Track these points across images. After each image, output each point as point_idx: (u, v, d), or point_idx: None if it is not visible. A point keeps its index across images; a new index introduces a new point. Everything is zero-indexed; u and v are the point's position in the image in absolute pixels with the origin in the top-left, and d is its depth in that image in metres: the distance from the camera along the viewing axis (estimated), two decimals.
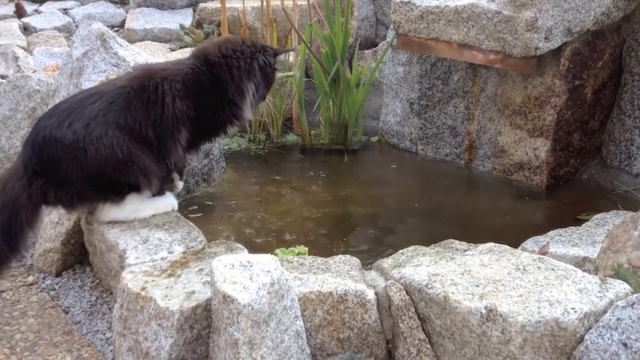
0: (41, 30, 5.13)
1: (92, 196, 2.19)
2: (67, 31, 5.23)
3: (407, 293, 1.87)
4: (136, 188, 2.22)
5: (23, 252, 2.24)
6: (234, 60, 2.36)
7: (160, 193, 2.36)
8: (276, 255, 2.15)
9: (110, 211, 2.24)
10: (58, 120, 2.13)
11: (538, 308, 1.65)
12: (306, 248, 2.33)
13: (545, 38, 2.67)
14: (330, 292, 1.86)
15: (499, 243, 2.05)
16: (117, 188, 2.20)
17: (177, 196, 2.43)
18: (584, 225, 2.42)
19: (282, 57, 2.66)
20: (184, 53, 4.59)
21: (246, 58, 2.38)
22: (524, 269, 1.84)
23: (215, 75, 2.33)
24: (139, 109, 2.17)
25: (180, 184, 2.55)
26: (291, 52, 3.63)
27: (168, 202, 2.35)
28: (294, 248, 2.33)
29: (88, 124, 2.11)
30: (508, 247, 2.02)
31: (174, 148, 2.26)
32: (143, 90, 2.20)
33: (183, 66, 2.33)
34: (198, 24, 5.16)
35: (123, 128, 2.14)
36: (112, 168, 2.13)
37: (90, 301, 2.35)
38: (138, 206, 2.25)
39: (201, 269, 1.97)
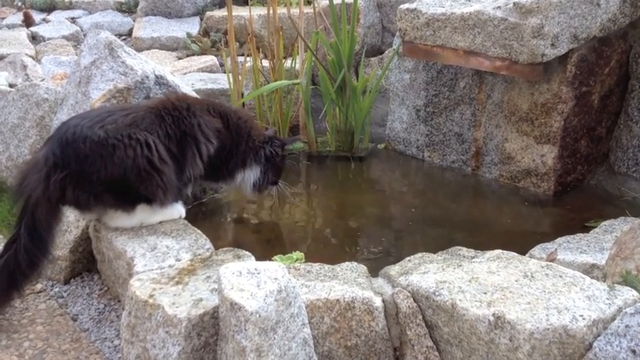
0: (49, 39, 5.17)
1: (108, 201, 2.20)
2: (75, 39, 5.27)
3: (414, 300, 1.87)
4: (148, 200, 2.23)
5: (52, 250, 2.23)
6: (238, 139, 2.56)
7: None
8: (274, 261, 2.15)
9: (119, 219, 2.25)
10: (91, 122, 2.14)
11: (546, 315, 1.64)
12: (302, 254, 2.33)
13: (552, 45, 2.67)
14: (338, 300, 1.86)
15: (506, 250, 2.05)
16: (133, 197, 2.21)
17: (185, 203, 2.43)
18: (592, 232, 2.41)
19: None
20: (191, 61, 4.63)
21: (255, 145, 2.61)
22: (532, 276, 1.83)
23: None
24: (169, 124, 2.27)
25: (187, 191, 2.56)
26: (297, 60, 3.65)
27: (176, 209, 2.36)
28: (291, 254, 2.33)
29: (121, 128, 2.13)
30: (516, 254, 2.01)
31: (195, 160, 2.35)
32: (175, 108, 2.32)
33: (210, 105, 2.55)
34: (205, 32, 5.19)
35: (156, 138, 2.20)
36: (137, 175, 2.14)
37: (98, 308, 2.36)
38: (146, 214, 2.26)
39: (208, 277, 1.97)
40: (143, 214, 2.26)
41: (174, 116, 2.30)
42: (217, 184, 2.74)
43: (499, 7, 2.78)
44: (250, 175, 2.63)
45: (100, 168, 2.10)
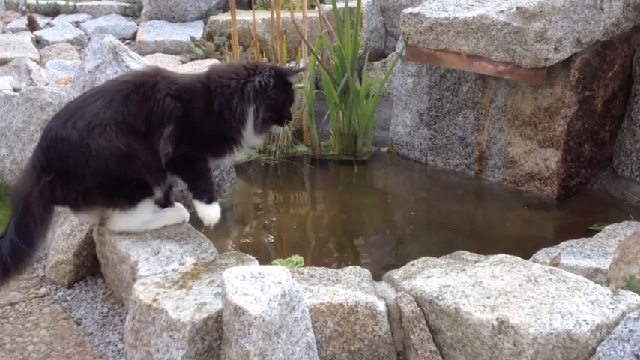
0: (53, 43, 5.18)
1: (99, 199, 2.19)
2: (79, 43, 5.28)
3: (418, 305, 1.87)
4: (145, 193, 2.21)
5: (40, 247, 2.21)
6: (227, 80, 2.27)
7: (169, 204, 2.37)
8: (275, 264, 2.15)
9: (121, 220, 2.25)
10: (63, 120, 2.17)
11: (550, 320, 1.64)
12: (301, 257, 2.33)
13: (555, 49, 2.67)
14: (341, 304, 1.87)
15: (510, 254, 2.05)
16: (125, 191, 2.19)
17: (188, 207, 2.43)
18: (595, 236, 2.41)
19: (294, 76, 2.37)
20: (195, 65, 4.63)
21: (240, 80, 2.26)
22: (536, 280, 1.83)
23: (211, 92, 2.27)
24: (134, 103, 2.18)
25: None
26: (300, 64, 3.65)
27: (180, 213, 2.36)
28: (291, 258, 2.33)
29: (90, 122, 2.13)
30: (519, 259, 2.01)
31: (160, 142, 2.20)
32: (142, 84, 2.21)
33: (190, 76, 2.37)
34: (209, 36, 5.20)
35: (121, 123, 2.14)
36: (117, 162, 2.12)
37: (102, 312, 2.36)
38: (149, 217, 2.27)
39: (212, 280, 1.97)
40: (145, 214, 2.25)
41: (139, 94, 2.20)
42: (222, 157, 2.38)
43: (502, 12, 2.78)
44: (249, 118, 2.28)
45: (82, 164, 2.11)
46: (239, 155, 2.42)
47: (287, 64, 3.61)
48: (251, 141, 2.37)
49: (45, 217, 2.16)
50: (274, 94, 2.28)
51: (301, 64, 3.66)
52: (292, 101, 2.39)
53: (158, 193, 2.28)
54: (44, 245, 2.29)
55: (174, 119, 2.19)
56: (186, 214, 2.38)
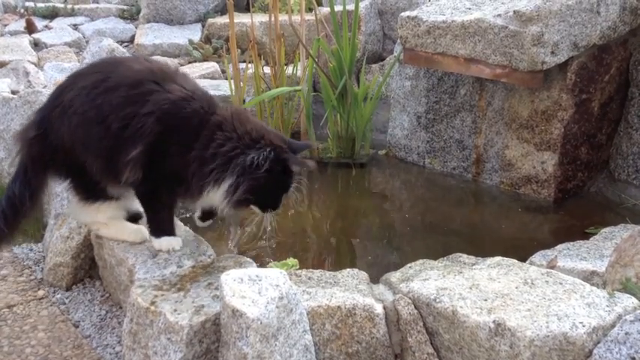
0: (52, 45, 5.18)
1: (62, 174, 2.19)
2: (77, 46, 5.29)
3: (415, 307, 1.87)
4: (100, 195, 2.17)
5: (41, 200, 2.26)
6: (222, 140, 1.96)
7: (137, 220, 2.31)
8: (270, 267, 2.16)
9: (81, 211, 2.24)
10: (77, 79, 2.12)
11: (546, 322, 1.65)
12: (296, 260, 2.34)
13: (552, 52, 2.68)
14: (339, 306, 1.87)
15: (507, 257, 2.05)
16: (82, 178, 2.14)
17: (186, 210, 2.43)
18: (592, 239, 2.42)
19: (296, 165, 2.04)
20: (193, 67, 4.64)
21: (236, 147, 1.95)
22: (533, 283, 1.84)
23: (201, 137, 1.99)
24: (124, 98, 2.00)
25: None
26: (298, 66, 3.66)
27: (138, 233, 2.24)
28: (286, 261, 2.33)
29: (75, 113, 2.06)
30: (516, 261, 2.02)
31: (122, 160, 2.02)
32: (140, 84, 2.02)
33: (197, 102, 2.03)
34: (207, 39, 5.21)
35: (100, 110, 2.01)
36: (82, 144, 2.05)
37: (100, 315, 2.36)
38: (103, 219, 2.24)
39: (210, 283, 1.98)
40: (102, 213, 2.22)
41: (132, 94, 2.00)
42: (186, 198, 2.15)
43: (499, 15, 2.79)
44: (222, 188, 1.97)
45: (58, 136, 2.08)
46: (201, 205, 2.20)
47: (285, 65, 3.62)
48: (215, 204, 2.05)
49: (42, 175, 2.18)
50: (263, 179, 1.94)
51: (299, 68, 3.66)
52: (285, 191, 2.05)
53: (117, 200, 2.20)
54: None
55: (146, 144, 1.97)
56: (145, 234, 2.22)
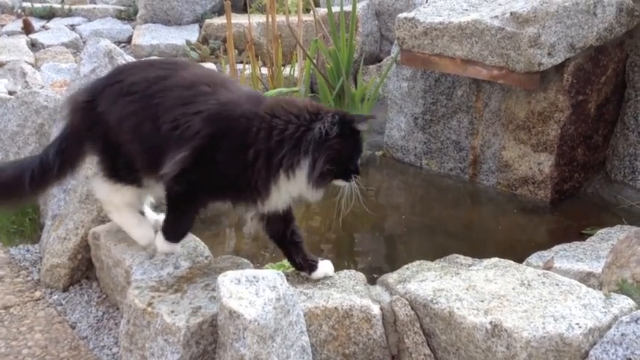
0: (49, 46, 5.18)
1: (96, 148, 2.17)
2: (75, 47, 5.29)
3: (412, 308, 1.88)
4: (127, 178, 2.14)
5: (68, 172, 2.25)
6: (283, 124, 1.90)
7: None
8: (267, 269, 2.15)
9: (101, 187, 2.20)
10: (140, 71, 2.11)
11: (543, 324, 1.65)
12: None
13: (549, 54, 2.69)
14: (336, 308, 1.87)
15: (503, 258, 2.06)
16: (116, 159, 2.12)
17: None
18: (588, 240, 2.43)
19: (363, 124, 1.97)
20: None
21: (300, 126, 1.90)
22: (529, 284, 1.85)
23: (253, 133, 1.92)
24: (175, 100, 2.00)
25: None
26: (295, 67, 3.66)
27: (149, 232, 2.22)
28: (282, 262, 2.33)
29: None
30: (513, 262, 2.03)
31: (168, 161, 1.98)
32: (193, 85, 2.01)
33: (240, 101, 1.98)
34: (205, 40, 5.21)
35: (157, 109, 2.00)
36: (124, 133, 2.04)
37: (97, 316, 2.36)
38: (120, 202, 2.22)
39: (207, 284, 1.98)
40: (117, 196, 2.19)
41: (183, 95, 1.99)
42: (245, 203, 2.03)
43: (496, 17, 2.80)
44: (303, 171, 1.91)
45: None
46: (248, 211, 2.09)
47: (283, 66, 3.62)
48: (295, 193, 2.02)
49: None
50: (338, 144, 1.90)
51: (296, 69, 3.67)
52: (360, 152, 2.02)
53: (146, 193, 2.19)
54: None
55: (194, 147, 1.92)
56: (151, 241, 2.19)
